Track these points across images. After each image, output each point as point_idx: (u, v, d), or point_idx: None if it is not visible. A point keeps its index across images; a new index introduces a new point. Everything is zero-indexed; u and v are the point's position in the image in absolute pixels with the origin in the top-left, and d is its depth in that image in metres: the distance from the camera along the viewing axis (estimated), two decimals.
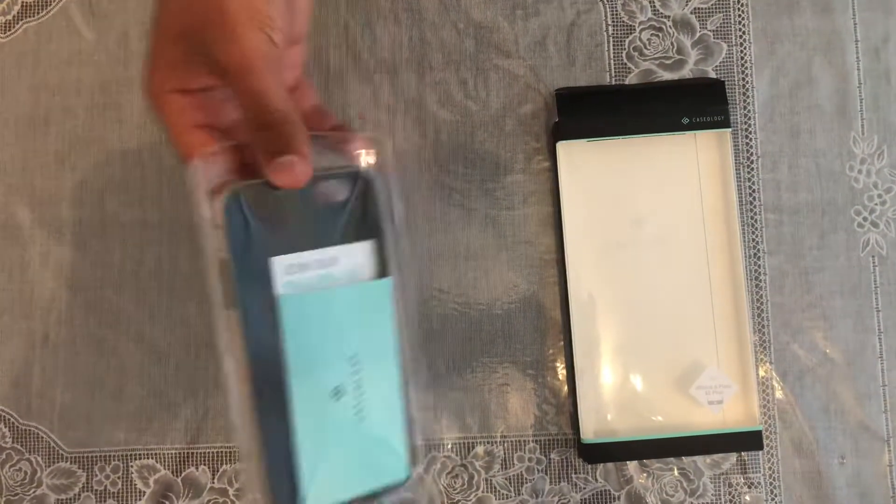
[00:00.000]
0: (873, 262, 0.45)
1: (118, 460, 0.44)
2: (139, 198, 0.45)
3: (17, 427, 0.44)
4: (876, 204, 0.45)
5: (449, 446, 0.44)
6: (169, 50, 0.32)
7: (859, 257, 0.45)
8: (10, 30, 0.45)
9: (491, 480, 0.44)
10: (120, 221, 0.45)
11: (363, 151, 0.34)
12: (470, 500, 0.44)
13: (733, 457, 0.44)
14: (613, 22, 0.46)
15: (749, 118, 0.46)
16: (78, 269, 0.44)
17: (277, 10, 0.31)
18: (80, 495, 0.44)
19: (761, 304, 0.45)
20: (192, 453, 0.44)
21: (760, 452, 0.44)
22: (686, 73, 0.46)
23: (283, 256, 0.31)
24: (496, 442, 0.44)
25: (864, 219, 0.45)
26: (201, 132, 0.33)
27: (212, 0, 0.30)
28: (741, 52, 0.46)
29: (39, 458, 0.44)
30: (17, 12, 0.45)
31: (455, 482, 0.44)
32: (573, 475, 0.44)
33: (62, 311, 0.44)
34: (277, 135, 0.30)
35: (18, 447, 0.44)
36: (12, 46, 0.45)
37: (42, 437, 0.44)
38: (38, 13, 0.45)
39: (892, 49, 0.46)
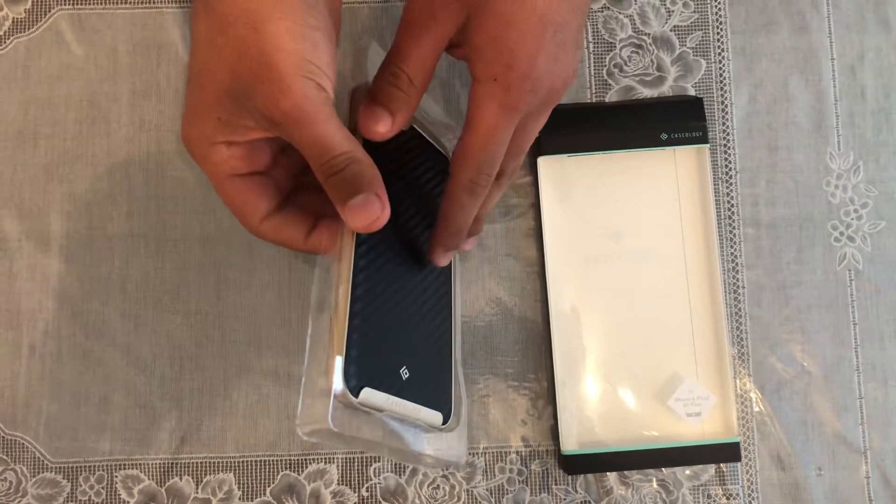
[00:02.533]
0: (850, 276, 0.46)
1: (103, 470, 0.44)
2: (126, 211, 0.45)
3: (3, 437, 0.44)
4: (852, 219, 0.46)
5: None
6: (215, 107, 0.32)
7: (836, 271, 0.46)
8: (0, 45, 0.46)
9: (472, 491, 0.44)
10: (107, 234, 0.45)
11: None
12: None
13: (712, 468, 0.45)
14: (594, 39, 0.47)
15: (728, 134, 0.47)
16: (65, 281, 0.45)
17: (324, 59, 0.31)
18: None
19: (740, 317, 0.46)
20: (176, 463, 0.44)
21: (739, 464, 0.45)
22: (666, 89, 0.47)
23: None
24: (477, 453, 0.45)
25: (841, 233, 0.46)
26: (242, 180, 0.35)
27: (259, 56, 0.30)
28: (720, 69, 0.47)
29: (24, 468, 0.44)
30: (8, 28, 0.46)
31: (436, 493, 0.44)
32: (554, 486, 0.45)
33: (49, 322, 0.45)
34: (344, 179, 0.31)
35: (3, 457, 0.44)
36: (2, 61, 0.46)
37: (27, 448, 0.44)
38: (28, 28, 0.46)
39: (868, 66, 0.47)
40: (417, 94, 0.34)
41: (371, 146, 0.34)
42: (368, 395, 0.33)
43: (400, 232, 0.38)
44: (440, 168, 0.41)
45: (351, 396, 0.32)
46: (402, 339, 0.36)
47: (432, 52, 0.34)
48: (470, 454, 0.45)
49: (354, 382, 0.32)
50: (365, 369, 0.33)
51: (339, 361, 0.32)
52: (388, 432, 0.35)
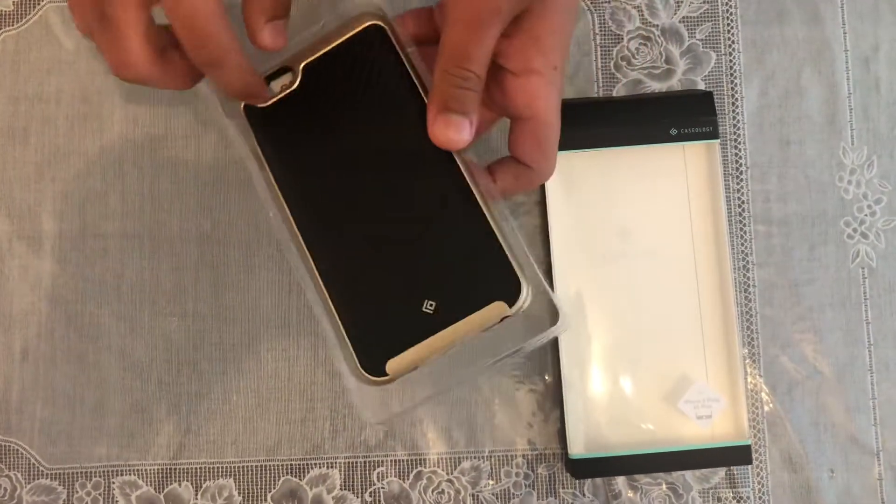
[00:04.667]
0: (863, 274, 0.45)
1: (99, 476, 0.43)
2: (120, 210, 0.44)
3: None
4: (866, 215, 0.45)
5: (435, 461, 0.44)
6: None
7: (849, 269, 0.45)
8: None
9: (478, 496, 0.44)
10: (101, 234, 0.44)
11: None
12: None
13: (722, 471, 0.44)
14: (601, 31, 0.45)
15: (738, 128, 0.45)
16: (58, 283, 0.44)
17: None
18: None
19: (750, 316, 0.45)
20: (175, 469, 0.43)
21: (750, 466, 0.44)
22: (675, 82, 0.45)
23: None
24: (483, 457, 0.44)
25: (854, 230, 0.45)
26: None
27: None
28: (730, 61, 0.46)
29: (19, 475, 0.43)
30: None
31: (441, 498, 0.43)
32: (561, 490, 0.44)
33: (42, 324, 0.44)
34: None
35: None
36: None
37: (22, 454, 0.43)
38: (16, 22, 0.45)
39: (882, 58, 0.46)
40: (482, 88, 0.33)
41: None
42: (395, 364, 0.32)
43: (347, 175, 0.34)
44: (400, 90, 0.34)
45: (378, 379, 0.31)
46: (409, 273, 0.33)
47: (493, 47, 0.32)
48: (475, 457, 0.44)
49: (372, 363, 0.32)
50: (373, 343, 0.32)
51: (347, 353, 0.32)
52: (454, 366, 0.33)
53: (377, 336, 0.32)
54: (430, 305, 0.32)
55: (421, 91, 0.33)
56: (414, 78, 0.34)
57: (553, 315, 0.33)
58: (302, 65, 0.34)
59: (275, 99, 0.34)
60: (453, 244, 0.33)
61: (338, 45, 0.34)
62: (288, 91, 0.34)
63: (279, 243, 0.34)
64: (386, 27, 0.34)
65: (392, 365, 0.32)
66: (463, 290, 0.32)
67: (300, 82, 0.34)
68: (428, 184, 0.33)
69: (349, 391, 0.32)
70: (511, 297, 0.32)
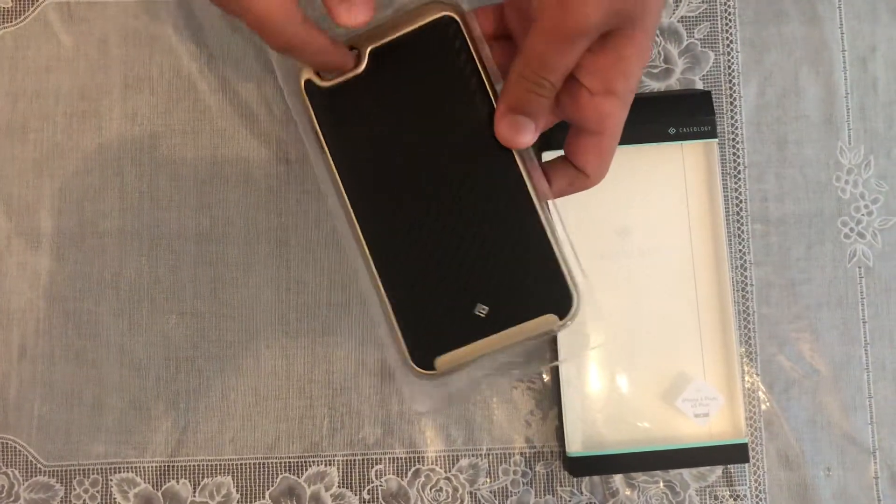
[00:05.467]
0: (860, 274, 0.45)
1: (97, 474, 0.43)
2: (119, 207, 0.44)
3: None
4: (863, 215, 0.45)
5: (433, 459, 0.44)
6: None
7: (846, 268, 0.45)
8: None
9: (475, 493, 0.44)
10: (99, 231, 0.44)
11: None
12: None
13: (719, 469, 0.44)
14: None
15: (736, 128, 0.46)
16: (56, 280, 0.44)
17: None
18: None
19: (748, 315, 0.45)
20: (173, 466, 0.43)
21: (747, 465, 0.44)
22: (673, 82, 0.46)
23: None
24: (481, 454, 0.44)
25: (851, 230, 0.45)
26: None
27: None
28: (728, 60, 0.46)
29: (17, 472, 0.43)
30: None
31: (439, 496, 0.44)
32: (558, 488, 0.44)
33: (40, 321, 0.44)
34: None
35: None
36: None
37: (19, 451, 0.43)
38: (15, 19, 0.45)
39: (880, 59, 0.46)
40: (554, 97, 0.33)
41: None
42: (445, 361, 0.33)
43: (407, 168, 0.34)
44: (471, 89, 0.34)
45: (428, 373, 0.33)
46: (463, 277, 0.33)
47: (575, 62, 0.32)
48: (473, 455, 0.44)
49: (422, 357, 0.33)
50: (429, 339, 0.33)
51: (399, 345, 0.33)
52: (500, 369, 0.34)
53: (428, 332, 0.33)
54: (483, 310, 0.33)
55: (489, 89, 0.33)
56: (483, 75, 0.33)
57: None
58: (369, 49, 0.33)
59: (338, 80, 0.33)
60: (510, 248, 0.33)
61: (409, 33, 0.33)
62: (353, 74, 0.33)
63: (335, 227, 0.35)
64: (459, 20, 0.33)
65: (440, 362, 0.33)
66: (516, 298, 0.33)
67: (366, 66, 0.33)
68: (488, 184, 0.33)
69: (397, 382, 0.34)
70: (562, 310, 0.33)
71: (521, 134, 0.32)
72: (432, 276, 0.33)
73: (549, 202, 0.34)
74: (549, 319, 0.33)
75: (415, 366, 0.33)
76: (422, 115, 0.33)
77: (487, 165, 0.33)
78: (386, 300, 0.33)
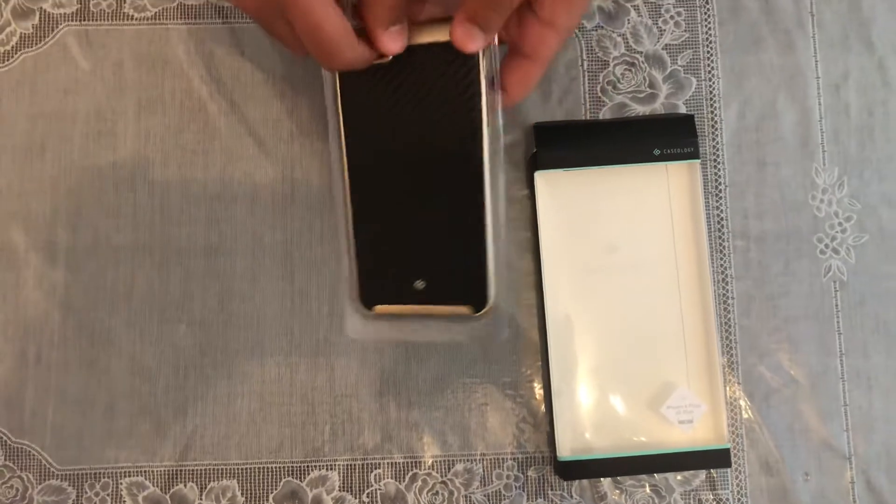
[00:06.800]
0: (835, 287, 0.48)
1: (108, 477, 0.45)
2: (132, 223, 0.46)
3: (9, 445, 0.45)
4: (837, 232, 0.48)
5: (429, 464, 0.46)
6: None
7: (822, 283, 0.48)
8: (8, 59, 0.47)
9: (470, 497, 0.46)
10: (112, 245, 0.46)
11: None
12: None
13: (703, 474, 0.46)
14: (589, 57, 0.48)
15: (717, 149, 0.48)
16: (71, 291, 0.46)
17: None
18: None
19: (729, 327, 0.47)
20: (181, 471, 0.45)
21: (729, 470, 0.46)
22: (658, 106, 0.48)
23: None
24: (475, 460, 0.46)
25: (826, 246, 0.48)
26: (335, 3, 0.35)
27: None
28: (710, 86, 0.48)
29: (31, 476, 0.45)
30: (16, 43, 0.47)
31: (435, 499, 0.45)
32: (549, 492, 0.46)
33: (55, 331, 0.46)
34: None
35: (10, 464, 0.45)
36: (10, 76, 0.47)
37: (34, 455, 0.45)
38: (35, 43, 0.47)
39: (852, 85, 0.49)
40: (506, 19, 0.37)
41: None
42: (382, 308, 0.42)
43: (397, 150, 0.40)
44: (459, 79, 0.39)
45: (366, 310, 0.42)
46: (415, 252, 0.41)
47: None
48: (468, 460, 0.46)
49: (368, 299, 0.42)
50: (376, 288, 0.41)
51: (354, 286, 0.42)
52: (418, 328, 0.42)
53: (377, 284, 0.42)
54: (421, 284, 0.41)
55: (482, 110, 0.38)
56: (481, 100, 0.38)
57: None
58: None
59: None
60: (455, 243, 0.40)
61: (436, 44, 0.38)
62: (381, 61, 0.38)
63: (331, 188, 0.42)
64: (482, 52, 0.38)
65: (378, 308, 0.42)
66: (446, 284, 0.41)
67: (393, 58, 0.38)
68: (455, 186, 0.40)
69: (345, 317, 0.43)
70: (477, 306, 0.41)
71: (472, 41, 0.37)
72: (392, 243, 0.41)
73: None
74: (465, 309, 0.41)
75: (360, 303, 0.42)
76: (422, 112, 0.39)
77: (459, 170, 0.40)
78: (353, 248, 0.41)
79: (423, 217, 0.40)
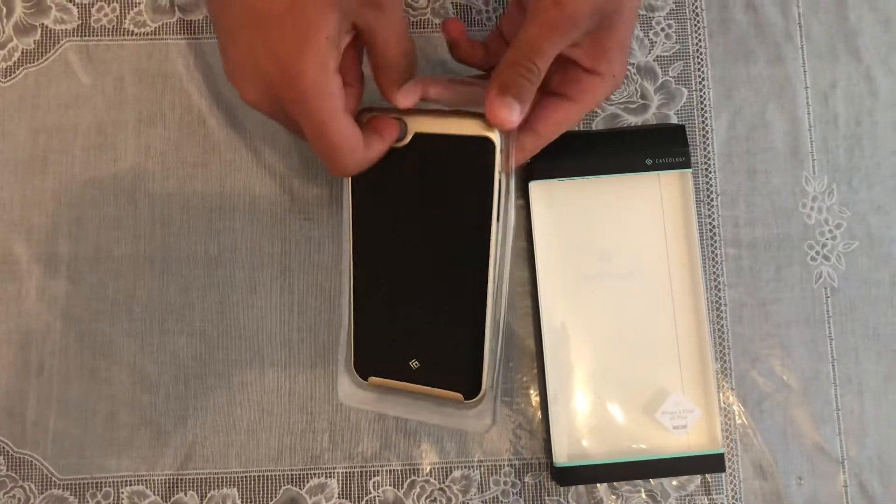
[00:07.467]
0: (825, 294, 0.48)
1: (109, 487, 0.45)
2: (132, 234, 0.47)
3: (12, 455, 0.45)
4: (827, 239, 0.49)
5: (427, 471, 0.46)
6: (323, 25, 0.32)
7: (813, 289, 0.48)
8: (10, 75, 0.48)
9: (468, 503, 0.46)
10: (113, 256, 0.47)
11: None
12: None
13: (698, 479, 0.47)
14: None
15: (709, 159, 0.49)
16: (72, 302, 0.46)
17: None
18: None
19: (722, 333, 0.48)
20: (182, 479, 0.46)
21: (723, 474, 0.47)
22: (650, 116, 0.49)
23: None
24: (473, 466, 0.46)
25: (817, 252, 0.48)
26: (347, 113, 0.35)
27: None
28: (701, 97, 0.49)
29: (33, 486, 0.45)
30: (18, 58, 0.48)
31: None
32: (546, 497, 0.46)
33: (56, 342, 0.46)
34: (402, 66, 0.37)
35: (12, 474, 0.45)
36: (13, 90, 0.47)
37: (35, 465, 0.45)
38: (37, 59, 0.48)
39: (840, 95, 0.49)
40: (538, 84, 0.37)
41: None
42: (375, 381, 0.42)
43: (405, 232, 0.40)
44: (458, 159, 0.39)
45: (361, 380, 0.42)
46: (414, 333, 0.41)
47: (560, 50, 0.37)
48: (465, 467, 0.46)
49: (363, 370, 0.42)
50: (372, 359, 0.42)
51: (349, 356, 0.42)
52: (409, 405, 0.42)
53: (373, 358, 0.42)
54: (416, 364, 0.41)
55: (494, 205, 0.38)
56: (494, 199, 0.38)
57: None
58: (415, 132, 0.39)
59: None
60: (454, 333, 0.40)
61: (451, 136, 0.38)
62: (397, 144, 0.39)
63: (340, 262, 0.42)
64: (497, 145, 0.38)
65: (372, 380, 0.42)
66: (441, 369, 0.41)
67: (408, 144, 0.39)
68: (460, 276, 0.40)
69: (338, 380, 0.42)
70: (469, 395, 0.40)
71: (508, 113, 0.36)
72: (392, 321, 0.41)
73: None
74: (457, 395, 0.41)
75: (355, 372, 0.42)
76: (435, 198, 0.39)
77: (465, 260, 0.39)
78: (352, 319, 0.42)
79: (424, 299, 0.40)
